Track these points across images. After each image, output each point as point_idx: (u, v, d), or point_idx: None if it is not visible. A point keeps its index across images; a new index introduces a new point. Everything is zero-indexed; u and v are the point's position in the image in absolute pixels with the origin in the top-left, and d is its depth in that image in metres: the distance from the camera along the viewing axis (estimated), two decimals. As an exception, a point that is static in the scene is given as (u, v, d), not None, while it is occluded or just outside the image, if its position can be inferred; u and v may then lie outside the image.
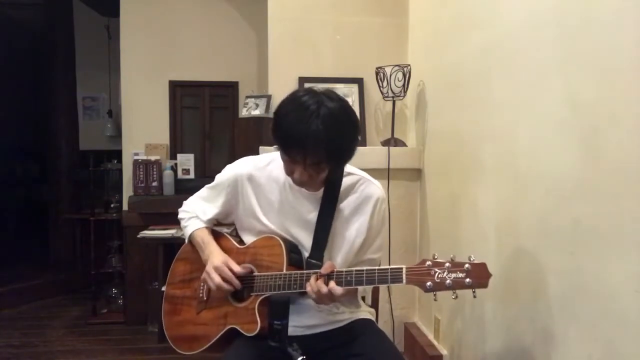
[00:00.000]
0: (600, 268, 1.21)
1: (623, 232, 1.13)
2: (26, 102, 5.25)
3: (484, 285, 1.16)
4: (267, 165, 1.46)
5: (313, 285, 1.27)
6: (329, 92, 1.28)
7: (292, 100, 1.28)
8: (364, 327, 1.46)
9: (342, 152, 1.27)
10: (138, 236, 3.12)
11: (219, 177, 1.52)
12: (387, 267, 1.26)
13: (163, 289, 1.60)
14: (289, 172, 1.31)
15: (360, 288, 1.38)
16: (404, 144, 2.65)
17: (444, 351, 2.27)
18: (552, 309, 1.41)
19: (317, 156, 1.23)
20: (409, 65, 2.56)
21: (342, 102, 1.27)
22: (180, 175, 3.56)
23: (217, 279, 1.38)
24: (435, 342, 2.38)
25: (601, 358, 1.21)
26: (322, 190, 1.39)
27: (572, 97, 1.33)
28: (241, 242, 1.51)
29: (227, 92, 3.76)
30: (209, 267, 1.41)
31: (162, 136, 3.65)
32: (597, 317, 1.23)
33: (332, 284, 1.25)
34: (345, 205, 1.42)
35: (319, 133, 1.19)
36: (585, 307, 1.27)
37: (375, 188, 1.45)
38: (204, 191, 1.57)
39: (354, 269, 1.28)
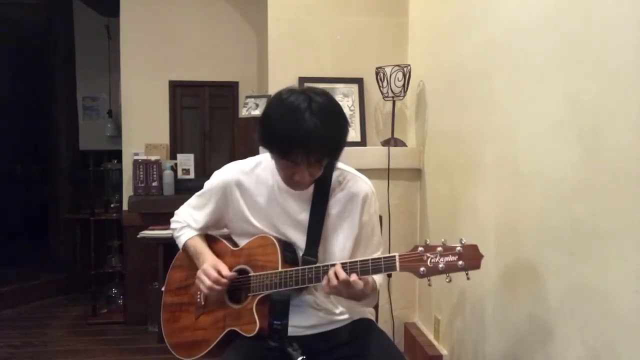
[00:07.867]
0: (600, 268, 1.21)
1: (623, 232, 1.13)
2: (26, 102, 5.24)
3: (477, 266, 1.17)
4: (254, 168, 1.45)
5: (332, 273, 1.25)
6: (313, 88, 1.29)
7: (278, 104, 1.25)
8: (364, 327, 1.46)
9: (339, 144, 1.28)
10: (138, 236, 3.12)
11: (207, 185, 1.52)
12: (381, 256, 1.26)
13: (163, 289, 1.60)
14: (289, 176, 1.30)
15: None
16: (404, 144, 2.65)
17: (444, 351, 2.27)
18: (552, 309, 1.41)
19: (319, 152, 1.23)
20: (409, 65, 2.56)
21: (328, 95, 1.28)
22: (180, 175, 3.55)
23: (208, 281, 1.39)
24: (435, 342, 2.38)
25: (601, 358, 1.21)
26: (311, 187, 1.39)
27: (572, 97, 1.33)
28: (236, 245, 1.51)
29: (227, 92, 3.75)
30: (198, 272, 1.42)
31: (162, 136, 3.65)
32: (597, 317, 1.23)
33: (354, 276, 1.23)
34: (334, 201, 1.41)
35: (318, 129, 1.18)
36: (585, 307, 1.27)
37: (363, 184, 1.43)
38: (193, 200, 1.56)
39: (348, 260, 1.29)
